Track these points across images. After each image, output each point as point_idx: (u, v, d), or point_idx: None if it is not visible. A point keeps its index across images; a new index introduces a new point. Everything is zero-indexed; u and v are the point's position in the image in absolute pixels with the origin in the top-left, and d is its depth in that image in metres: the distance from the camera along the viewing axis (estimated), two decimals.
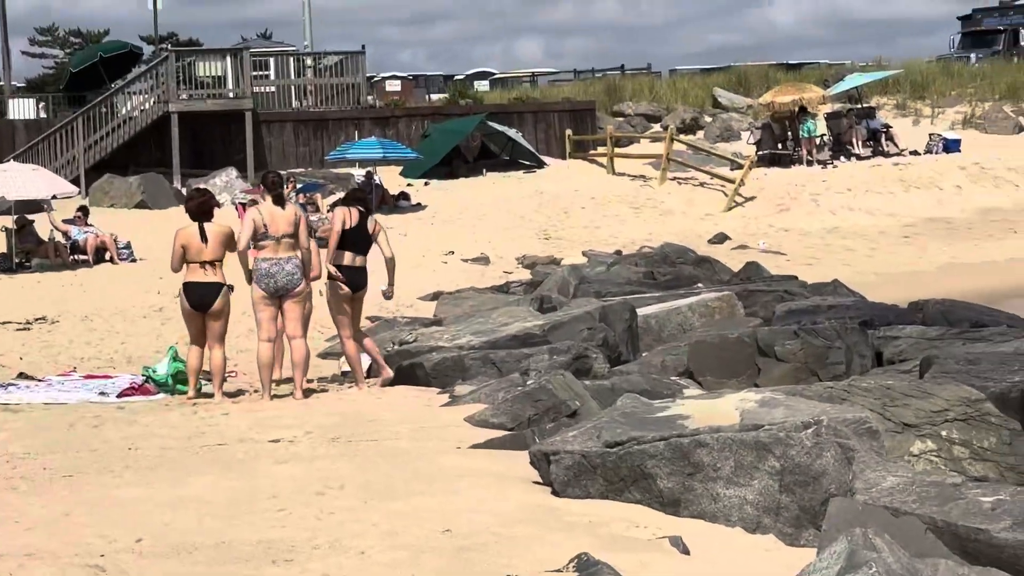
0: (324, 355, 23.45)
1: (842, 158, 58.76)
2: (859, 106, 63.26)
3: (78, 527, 9.67)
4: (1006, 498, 9.46)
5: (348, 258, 18.37)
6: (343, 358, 18.97)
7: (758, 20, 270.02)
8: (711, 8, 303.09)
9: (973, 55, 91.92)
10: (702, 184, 49.88)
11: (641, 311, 21.19)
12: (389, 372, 18.29)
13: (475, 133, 56.14)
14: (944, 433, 12.21)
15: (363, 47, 67.13)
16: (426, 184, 51.08)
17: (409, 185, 50.85)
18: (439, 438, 13.93)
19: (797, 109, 59.01)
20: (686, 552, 8.98)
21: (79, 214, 45.03)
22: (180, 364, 19.39)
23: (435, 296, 29.16)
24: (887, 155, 59.02)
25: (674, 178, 50.89)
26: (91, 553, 8.32)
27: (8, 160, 49.01)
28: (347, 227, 18.46)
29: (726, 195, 47.22)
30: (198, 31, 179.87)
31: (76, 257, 42.42)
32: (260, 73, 65.76)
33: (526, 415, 14.10)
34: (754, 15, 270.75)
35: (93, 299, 32.69)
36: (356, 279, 18.48)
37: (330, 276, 17.66)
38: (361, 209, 18.23)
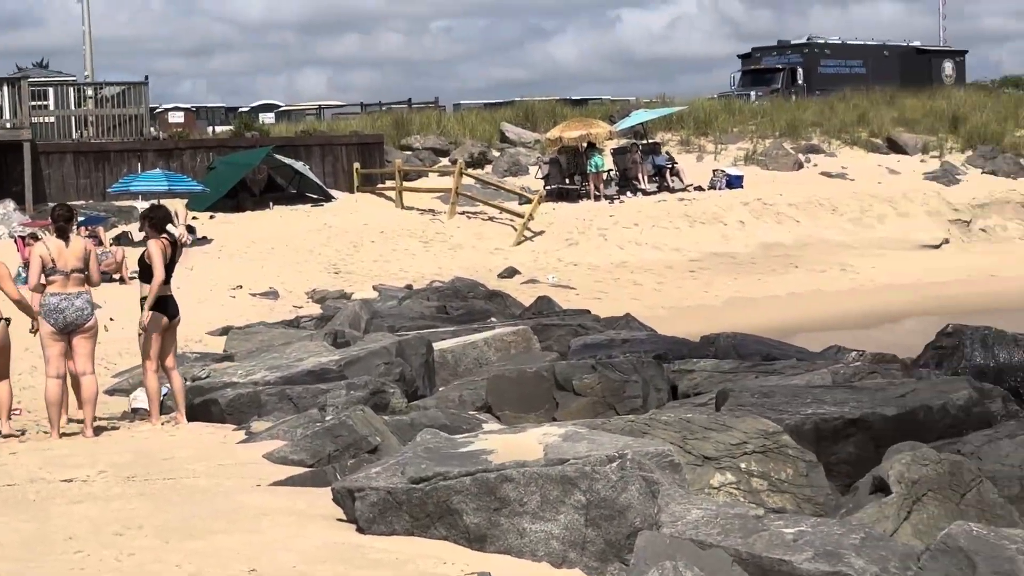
0: (111, 391, 22.43)
1: (628, 193, 58.71)
2: (644, 142, 63.98)
3: None
4: (807, 529, 9.68)
5: (165, 289, 17.83)
6: (132, 395, 18.68)
7: (541, 56, 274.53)
8: (494, 43, 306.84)
9: (753, 93, 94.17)
10: (491, 218, 50.12)
11: (437, 346, 21.11)
12: (183, 420, 17.57)
13: (261, 166, 55.41)
14: (743, 465, 12.35)
15: (146, 78, 66.41)
16: (212, 217, 50.48)
17: (195, 218, 50.24)
18: (238, 476, 13.71)
19: (584, 144, 59.70)
20: None
21: None
22: None
23: (224, 331, 28.66)
24: (672, 190, 58.80)
25: (463, 212, 51.14)
26: None
27: None
28: (165, 261, 17.64)
29: (515, 229, 47.50)
30: None
31: None
32: (39, 103, 64.53)
33: (326, 451, 13.97)
34: (536, 51, 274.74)
35: None
36: (173, 308, 18.02)
37: (152, 307, 17.21)
38: (167, 239, 17.85)
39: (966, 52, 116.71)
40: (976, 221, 52.93)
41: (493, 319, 26.23)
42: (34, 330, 17.13)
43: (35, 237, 25.19)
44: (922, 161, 63.06)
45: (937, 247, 49.09)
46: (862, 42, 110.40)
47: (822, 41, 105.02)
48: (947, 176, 59.17)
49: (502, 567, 9.56)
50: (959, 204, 54.62)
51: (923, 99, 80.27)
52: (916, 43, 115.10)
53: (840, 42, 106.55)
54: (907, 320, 32.04)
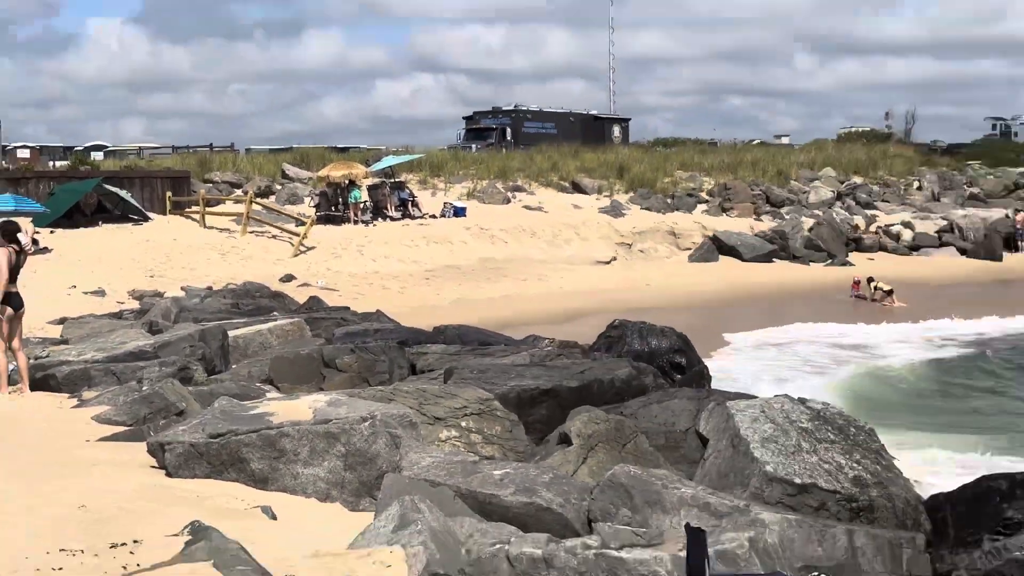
0: None
1: (380, 219, 57.18)
2: (392, 180, 64.01)
3: None
4: (511, 471, 10.12)
5: (12, 286, 16.78)
6: None
7: (314, 113, 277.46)
8: (278, 103, 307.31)
9: (474, 145, 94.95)
10: (274, 236, 49.71)
11: (231, 333, 20.54)
12: (27, 390, 16.59)
13: (92, 193, 54.00)
14: (464, 424, 12.45)
15: None
16: (52, 232, 49.15)
17: (38, 232, 48.83)
18: (71, 434, 13.17)
19: (347, 181, 59.64)
20: (274, 518, 9.06)
21: None
22: None
23: (61, 321, 27.52)
24: (413, 217, 57.69)
25: (253, 231, 50.62)
26: None
27: None
28: (11, 264, 16.90)
29: (292, 245, 47.19)
30: None
31: None
32: None
33: (143, 414, 13.72)
34: (310, 109, 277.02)
35: None
36: (18, 301, 16.87)
37: (1, 301, 16.53)
38: (15, 247, 17.20)
39: (629, 119, 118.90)
40: (636, 244, 54.00)
41: (275, 313, 26.00)
42: None
43: None
44: (597, 199, 63.96)
45: (608, 263, 49.76)
46: (554, 110, 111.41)
47: (525, 108, 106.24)
48: (615, 211, 60.17)
49: (281, 502, 9.69)
50: (624, 231, 55.70)
51: (598, 153, 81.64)
52: (593, 112, 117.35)
53: (539, 109, 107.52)
54: (587, 317, 32.48)
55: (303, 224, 51.45)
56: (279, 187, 64.57)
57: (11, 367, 16.26)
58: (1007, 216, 69.12)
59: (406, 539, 7.43)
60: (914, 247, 62.92)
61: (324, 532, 8.51)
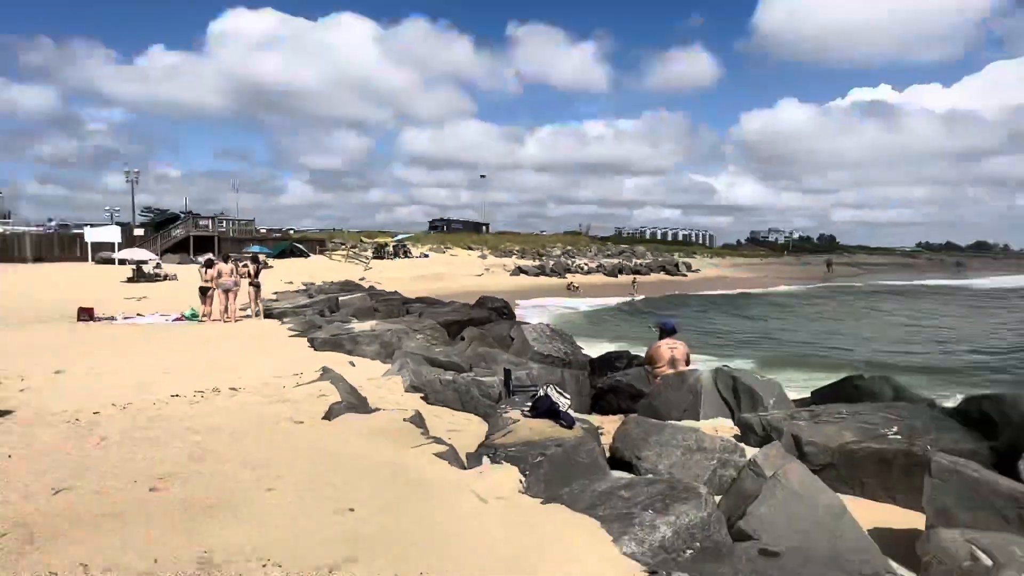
0: None
1: (399, 258, 55.01)
2: (401, 242, 63.52)
3: None
4: (441, 349, 9.61)
5: (257, 280, 15.72)
6: None
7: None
8: None
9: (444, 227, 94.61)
10: (356, 263, 48.71)
11: (340, 298, 18.53)
12: (263, 319, 15.22)
13: (289, 245, 51.35)
14: (426, 332, 12.15)
15: None
16: (274, 261, 44.97)
17: (269, 260, 46.21)
18: (279, 334, 11.94)
19: (383, 244, 58.91)
20: (353, 365, 8.73)
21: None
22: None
23: (276, 294, 26.29)
24: (407, 256, 56.12)
25: (349, 261, 49.57)
26: None
27: None
28: (256, 270, 15.86)
29: (363, 267, 45.94)
30: None
31: None
32: None
33: (306, 327, 12.41)
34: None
35: None
36: (258, 286, 15.72)
37: None
38: (257, 265, 16.48)
39: (489, 223, 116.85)
40: (490, 269, 53.53)
41: (356, 292, 25.26)
42: None
43: None
44: (478, 252, 64.98)
45: (480, 275, 48.94)
46: (463, 219, 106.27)
47: (453, 219, 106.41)
48: (483, 257, 60.36)
49: (358, 361, 9.21)
50: (486, 265, 56.16)
51: (477, 236, 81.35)
52: (475, 220, 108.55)
53: (456, 219, 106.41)
54: (471, 295, 31.36)
55: (366, 260, 50.52)
56: (356, 245, 62.73)
57: (256, 311, 15.86)
58: (620, 261, 66.79)
59: (401, 373, 7.68)
60: (586, 272, 58.11)
61: (373, 372, 8.39)
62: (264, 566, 2.92)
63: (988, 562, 2.61)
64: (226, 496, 3.66)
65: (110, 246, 42.11)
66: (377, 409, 6.00)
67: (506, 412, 5.58)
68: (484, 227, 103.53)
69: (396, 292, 25.01)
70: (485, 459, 4.52)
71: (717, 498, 3.88)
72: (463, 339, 11.58)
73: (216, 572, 2.87)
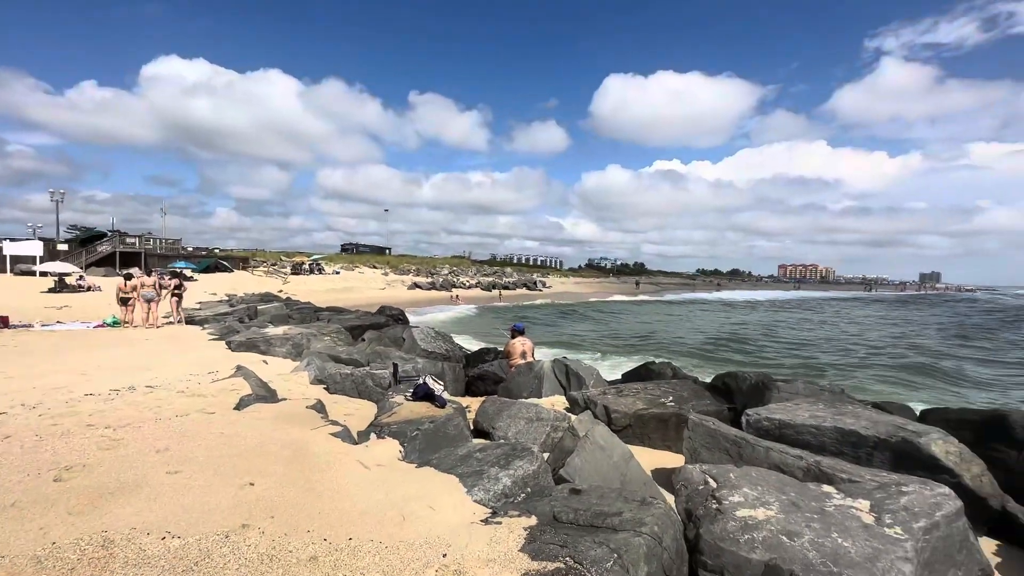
0: None
1: (312, 274, 50.89)
2: (316, 261, 59.04)
3: None
4: (345, 348, 8.99)
5: (181, 292, 13.84)
6: None
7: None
8: None
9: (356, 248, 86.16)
10: (276, 276, 44.84)
11: (259, 307, 16.97)
12: (184, 324, 13.68)
13: (214, 262, 45.52)
14: (332, 336, 11.41)
15: None
16: (200, 275, 40.99)
17: (195, 275, 41.65)
18: (199, 337, 10.80)
19: (300, 262, 54.66)
20: (266, 363, 8.10)
21: None
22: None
23: (200, 304, 23.64)
24: (321, 272, 52.28)
25: (268, 275, 45.50)
26: None
27: None
28: (179, 285, 13.94)
29: (282, 281, 42.51)
30: None
31: None
32: None
33: (225, 332, 11.30)
34: None
35: None
36: (182, 295, 13.87)
37: None
38: (181, 279, 14.64)
39: (391, 247, 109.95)
40: (392, 284, 52.03)
41: (274, 302, 23.27)
42: None
43: None
44: (382, 270, 62.70)
45: (383, 289, 46.27)
46: (374, 244, 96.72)
47: (361, 243, 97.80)
48: (386, 275, 58.22)
49: (271, 359, 8.49)
50: (387, 280, 54.30)
51: (381, 256, 78.30)
52: (383, 245, 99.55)
53: (365, 244, 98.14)
54: (375, 304, 29.58)
55: (285, 276, 46.69)
56: (276, 263, 57.73)
57: (178, 318, 14.08)
58: (494, 279, 64.77)
59: (308, 369, 7.22)
60: (468, 287, 56.52)
61: (284, 369, 7.75)
62: (163, 539, 2.62)
63: (714, 484, 2.99)
64: (131, 480, 3.22)
65: (31, 259, 35.23)
66: (284, 399, 5.59)
67: (392, 397, 5.44)
68: (387, 250, 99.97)
69: (309, 302, 23.37)
70: (372, 435, 4.38)
71: (547, 455, 4.05)
72: (364, 340, 11.10)
73: (115, 548, 2.51)
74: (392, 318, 16.31)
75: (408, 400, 5.23)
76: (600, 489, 3.11)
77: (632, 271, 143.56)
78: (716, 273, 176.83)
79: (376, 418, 4.90)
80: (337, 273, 55.20)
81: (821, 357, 17.12)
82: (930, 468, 3.68)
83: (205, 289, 29.99)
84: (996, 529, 3.76)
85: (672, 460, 5.05)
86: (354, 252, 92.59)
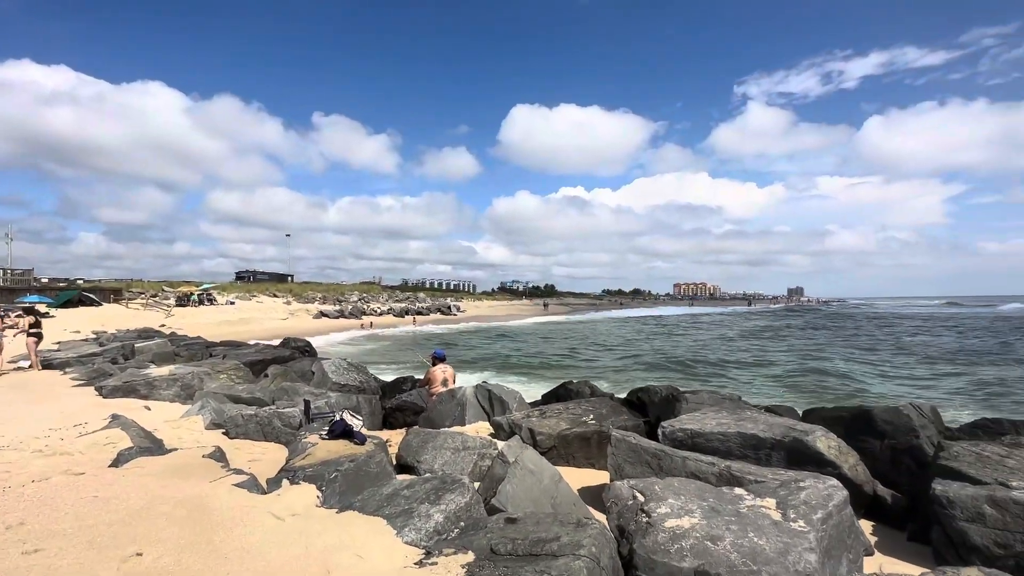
0: None
1: (202, 305, 45.80)
2: (207, 291, 53.38)
3: None
4: (244, 387, 8.37)
5: (38, 331, 11.81)
6: None
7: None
8: None
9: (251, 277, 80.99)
10: (157, 310, 39.89)
11: (136, 344, 14.82)
12: (39, 368, 11.55)
13: (77, 295, 39.79)
14: (229, 373, 10.28)
15: None
16: (58, 310, 35.77)
17: (51, 311, 35.54)
18: (61, 384, 9.25)
19: (186, 293, 49.20)
20: (149, 409, 7.17)
21: None
22: None
23: (58, 343, 20.17)
24: (211, 303, 47.99)
25: (148, 308, 40.35)
26: None
27: None
28: (34, 323, 11.93)
29: (164, 314, 37.86)
30: None
31: None
32: None
33: (93, 376, 9.81)
34: None
35: None
36: (40, 336, 11.84)
37: None
38: (36, 316, 12.46)
39: (293, 275, 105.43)
40: (295, 314, 48.83)
41: (155, 338, 20.59)
42: None
43: None
44: (283, 299, 58.24)
45: (285, 319, 44.09)
46: (269, 271, 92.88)
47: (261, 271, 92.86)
48: (288, 303, 54.57)
49: (154, 405, 7.53)
50: (290, 310, 50.74)
51: (282, 285, 73.75)
52: (283, 271, 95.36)
53: (264, 270, 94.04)
54: (276, 337, 27.58)
55: (168, 308, 41.82)
56: (156, 294, 51.69)
57: (33, 362, 11.93)
58: (406, 304, 63.51)
59: (202, 413, 6.50)
60: (380, 314, 55.72)
61: (172, 414, 6.95)
62: None
63: (642, 498, 3.10)
64: None
65: None
66: (175, 449, 4.93)
67: (305, 437, 5.04)
68: (289, 277, 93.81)
69: (200, 337, 21.11)
70: (285, 481, 4.00)
71: (477, 484, 3.97)
72: (267, 376, 10.22)
73: None
74: (298, 350, 15.33)
75: (323, 439, 4.88)
76: (535, 515, 3.10)
77: (543, 293, 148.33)
78: (620, 293, 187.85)
79: (288, 462, 4.50)
80: (232, 304, 50.67)
81: (729, 367, 18.64)
82: (817, 462, 4.05)
83: (66, 327, 26.03)
84: (870, 511, 4.19)
85: (597, 477, 5.20)
86: (251, 280, 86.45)
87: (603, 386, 10.84)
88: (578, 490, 4.61)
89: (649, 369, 18.61)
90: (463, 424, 6.32)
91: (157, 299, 47.45)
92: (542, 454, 5.23)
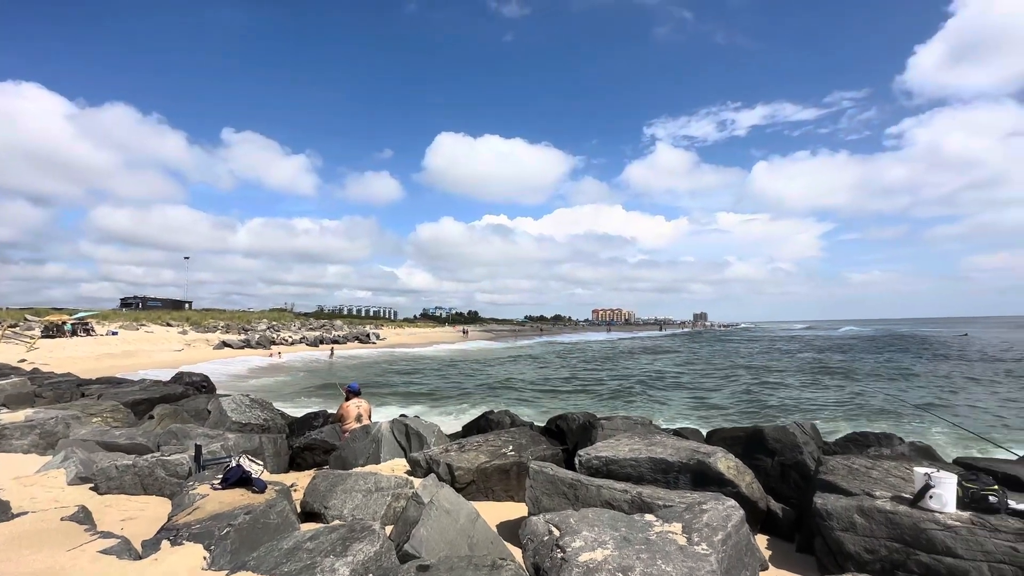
0: None
1: (80, 335, 41.42)
2: (82, 319, 46.85)
3: None
4: (123, 431, 7.40)
5: None
6: None
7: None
8: None
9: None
10: (18, 343, 34.11)
11: None
12: None
13: None
14: (105, 415, 9.05)
15: None
16: None
17: None
18: None
19: (61, 321, 42.64)
20: None
21: None
22: None
23: None
24: (89, 334, 42.58)
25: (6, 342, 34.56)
26: None
27: None
28: None
29: (27, 347, 32.57)
30: None
31: None
32: None
33: None
34: None
35: None
36: None
37: None
38: None
39: (192, 301, 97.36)
40: (192, 344, 44.38)
41: (11, 376, 17.60)
42: None
43: None
44: (178, 327, 52.76)
45: (181, 350, 39.94)
46: (162, 296, 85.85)
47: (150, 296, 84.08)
48: (184, 332, 49.34)
49: (2, 457, 6.42)
50: (186, 340, 45.96)
51: (178, 312, 66.93)
52: (179, 298, 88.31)
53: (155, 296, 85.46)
54: (170, 370, 24.80)
55: (30, 340, 36.09)
56: (17, 323, 44.52)
57: None
58: (321, 332, 61.43)
59: (66, 465, 5.62)
60: (291, 343, 51.87)
61: (26, 469, 5.95)
62: None
63: (557, 533, 3.10)
64: None
65: None
66: (25, 513, 4.18)
67: (194, 488, 4.50)
68: (187, 304, 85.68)
69: (70, 373, 18.52)
70: (165, 543, 3.52)
71: (390, 528, 3.74)
72: (152, 418, 9.10)
73: None
74: (193, 386, 13.91)
75: (216, 489, 4.39)
76: (449, 560, 2.97)
77: (466, 319, 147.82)
78: (542, 319, 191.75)
79: (170, 519, 3.98)
80: (114, 334, 44.90)
81: (636, 388, 19.60)
82: (719, 482, 4.27)
83: None
84: (764, 526, 4.44)
85: (516, 510, 5.10)
86: (140, 307, 77.72)
87: (524, 415, 10.81)
88: (497, 525, 4.50)
89: (567, 396, 18.75)
90: (378, 462, 6.01)
91: (17, 329, 40.91)
92: (461, 489, 5.10)
